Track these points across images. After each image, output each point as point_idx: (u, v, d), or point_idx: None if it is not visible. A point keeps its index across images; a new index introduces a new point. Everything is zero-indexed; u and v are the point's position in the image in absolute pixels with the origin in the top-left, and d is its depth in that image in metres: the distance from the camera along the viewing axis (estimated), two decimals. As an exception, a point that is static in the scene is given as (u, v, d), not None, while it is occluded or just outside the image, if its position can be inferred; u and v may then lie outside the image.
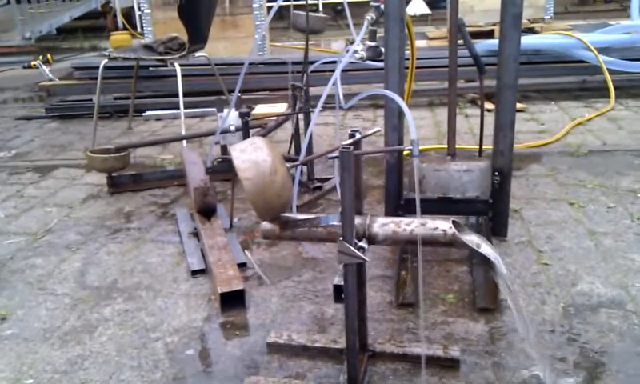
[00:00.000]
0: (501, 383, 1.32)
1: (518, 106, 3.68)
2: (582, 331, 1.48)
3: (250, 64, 4.28)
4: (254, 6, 4.94)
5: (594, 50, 3.86)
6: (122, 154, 2.50)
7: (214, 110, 4.01)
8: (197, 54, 3.37)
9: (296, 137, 2.45)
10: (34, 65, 7.06)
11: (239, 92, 1.97)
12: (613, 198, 2.22)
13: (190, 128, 3.70)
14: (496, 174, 1.88)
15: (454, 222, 1.17)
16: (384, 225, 1.20)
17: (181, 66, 3.14)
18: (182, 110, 3.09)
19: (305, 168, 2.43)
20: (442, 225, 1.17)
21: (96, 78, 3.85)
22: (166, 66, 3.21)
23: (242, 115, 2.32)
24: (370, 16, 1.76)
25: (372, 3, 1.77)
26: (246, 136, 2.51)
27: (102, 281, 1.85)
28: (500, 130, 1.88)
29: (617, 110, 3.53)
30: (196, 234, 2.04)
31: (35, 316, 1.68)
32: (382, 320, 1.57)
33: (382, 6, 1.78)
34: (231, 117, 2.54)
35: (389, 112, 1.83)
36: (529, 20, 5.28)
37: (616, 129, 3.16)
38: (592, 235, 1.95)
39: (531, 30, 5.56)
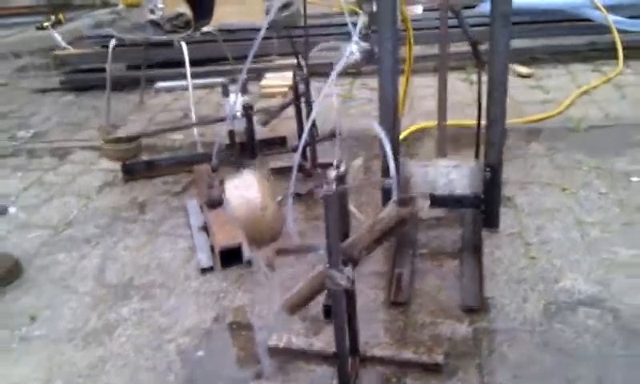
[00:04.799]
0: (479, 386, 1.45)
1: (525, 71, 3.71)
2: (559, 332, 1.60)
3: (256, 30, 4.33)
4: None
5: (602, 8, 3.82)
6: (133, 144, 2.62)
7: (224, 80, 4.10)
8: (204, 29, 3.42)
9: (299, 124, 2.54)
10: (46, 26, 7.11)
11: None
12: (606, 183, 2.30)
13: (200, 100, 3.78)
14: (487, 169, 1.97)
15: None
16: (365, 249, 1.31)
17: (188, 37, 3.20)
18: (191, 92, 3.16)
19: (307, 154, 2.52)
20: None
21: (107, 46, 3.96)
22: (173, 44, 3.26)
23: (245, 109, 2.41)
24: (363, 20, 1.82)
25: (364, 9, 1.82)
26: (249, 129, 2.62)
27: (119, 278, 2.01)
28: (491, 124, 1.94)
29: (624, 75, 3.54)
30: (205, 228, 2.17)
31: (60, 316, 1.84)
32: (374, 320, 1.70)
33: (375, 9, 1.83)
34: (237, 103, 2.64)
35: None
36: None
37: (620, 98, 3.18)
38: (580, 225, 2.04)
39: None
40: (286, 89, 3.74)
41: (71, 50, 4.87)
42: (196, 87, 3.84)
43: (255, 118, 2.69)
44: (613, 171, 2.37)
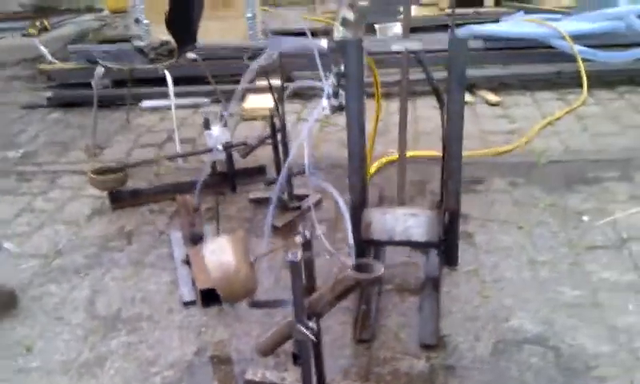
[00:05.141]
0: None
1: (493, 99, 3.92)
2: (504, 369, 1.79)
3: (238, 49, 4.48)
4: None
5: (568, 39, 4.03)
6: (119, 174, 2.77)
7: (207, 101, 4.27)
8: (188, 56, 3.57)
9: (276, 159, 2.71)
10: (33, 32, 7.18)
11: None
12: (559, 221, 2.50)
13: (184, 122, 3.93)
14: (446, 214, 2.16)
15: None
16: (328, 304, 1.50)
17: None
18: (174, 117, 3.32)
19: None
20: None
21: (94, 62, 4.09)
22: (157, 72, 3.41)
23: (225, 148, 2.59)
24: (332, 80, 2.00)
25: (333, 69, 1.99)
26: (230, 165, 2.79)
27: (107, 310, 2.17)
28: (449, 176, 2.13)
29: (587, 105, 3.76)
30: (188, 262, 2.33)
31: (54, 347, 2.00)
32: (342, 357, 1.88)
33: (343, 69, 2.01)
34: (218, 135, 2.81)
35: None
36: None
37: (581, 130, 3.40)
38: (532, 265, 2.24)
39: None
40: (267, 112, 3.90)
41: (57, 65, 4.98)
42: (181, 107, 4.01)
43: (235, 152, 2.86)
44: (566, 209, 2.58)
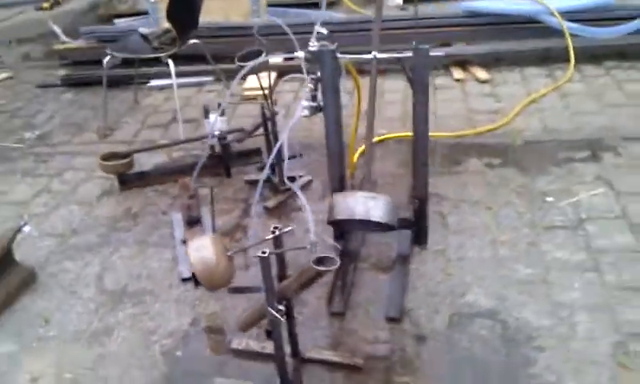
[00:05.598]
0: (387, 384, 1.92)
1: (483, 76, 4.09)
2: (457, 340, 2.05)
3: (240, 28, 4.68)
4: (248, -38, 5.19)
5: (558, 16, 4.15)
6: (127, 159, 3.04)
7: (211, 79, 4.49)
8: (190, 42, 3.79)
9: (267, 146, 2.95)
10: (45, 7, 7.40)
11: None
12: (525, 202, 2.72)
13: (189, 101, 4.17)
14: (416, 200, 2.40)
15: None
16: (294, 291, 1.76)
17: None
18: (177, 101, 3.56)
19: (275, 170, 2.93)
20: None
21: (106, 41, 4.36)
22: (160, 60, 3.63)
23: (223, 147, 2.87)
24: (310, 86, 2.22)
25: (310, 75, 2.21)
26: (224, 150, 3.04)
27: (115, 285, 2.46)
28: (416, 170, 2.36)
29: (573, 82, 3.90)
30: (186, 242, 2.61)
31: (69, 319, 2.31)
32: (316, 328, 2.16)
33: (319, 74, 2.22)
34: (217, 123, 3.06)
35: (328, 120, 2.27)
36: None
37: (562, 108, 3.57)
38: (493, 244, 2.48)
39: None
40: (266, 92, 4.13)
41: (70, 45, 5.22)
42: (186, 86, 4.26)
43: (231, 137, 3.11)
44: (533, 190, 2.79)
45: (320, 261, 1.66)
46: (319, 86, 2.23)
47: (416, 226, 2.47)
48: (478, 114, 3.61)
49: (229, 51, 4.31)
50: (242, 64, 2.36)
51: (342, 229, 2.37)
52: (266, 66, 2.76)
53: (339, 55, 2.21)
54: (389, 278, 2.36)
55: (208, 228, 2.67)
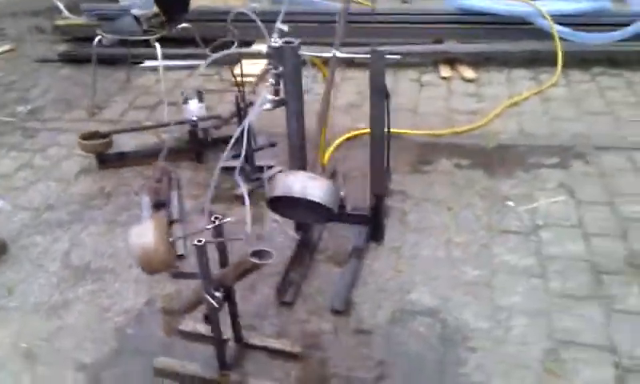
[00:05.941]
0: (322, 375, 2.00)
1: (469, 76, 4.11)
2: (395, 335, 2.12)
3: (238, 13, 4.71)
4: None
5: (549, 19, 4.16)
6: (105, 140, 3.13)
7: (201, 63, 4.54)
8: (179, 26, 3.85)
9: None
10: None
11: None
12: (486, 204, 2.76)
13: (178, 84, 4.24)
14: (372, 197, 2.46)
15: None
16: (231, 280, 1.84)
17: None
18: (163, 85, 3.64)
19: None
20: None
21: (105, 19, 4.44)
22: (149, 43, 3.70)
23: (193, 133, 2.94)
24: (271, 81, 2.28)
25: (272, 70, 2.27)
26: (193, 136, 3.11)
27: (80, 261, 2.56)
28: (373, 170, 2.41)
29: (558, 86, 3.91)
30: (153, 223, 2.69)
31: (31, 291, 2.41)
32: (265, 316, 2.24)
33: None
34: (194, 108, 3.14)
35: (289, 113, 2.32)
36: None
37: (542, 113, 3.59)
38: (448, 244, 2.53)
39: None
40: (255, 78, 4.20)
41: (71, 20, 5.31)
42: (177, 69, 4.33)
43: (209, 123, 3.19)
44: (496, 193, 2.83)
45: (257, 253, 1.74)
46: (281, 80, 2.28)
47: (372, 223, 2.53)
48: (458, 114, 3.65)
49: (221, 36, 4.41)
50: (210, 54, 2.42)
51: (282, 212, 2.22)
52: (239, 55, 2.81)
53: (301, 52, 2.26)
54: (340, 271, 2.43)
55: (174, 211, 2.75)
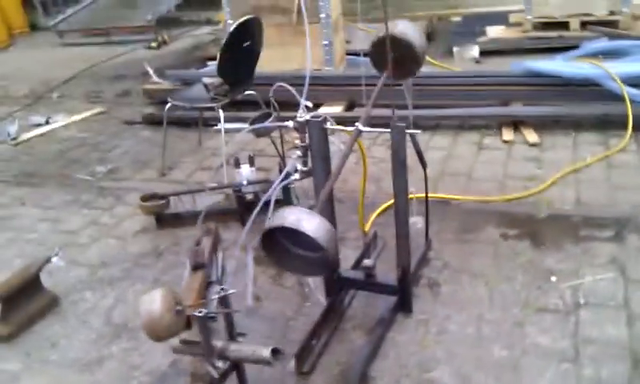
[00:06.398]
0: None
1: (533, 139, 3.98)
2: (406, 416, 2.06)
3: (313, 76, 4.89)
4: (321, 16, 5.41)
5: (619, 81, 3.97)
6: (162, 201, 3.33)
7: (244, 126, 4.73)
8: (245, 93, 4.05)
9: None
10: (153, 46, 8.14)
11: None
12: (527, 279, 2.63)
13: (246, 146, 4.41)
14: (399, 269, 2.44)
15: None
16: (233, 351, 1.88)
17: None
18: (224, 150, 3.82)
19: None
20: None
21: (187, 84, 4.75)
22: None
23: (239, 197, 3.06)
24: (297, 154, 2.36)
25: (298, 143, 2.35)
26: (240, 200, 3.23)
27: (120, 319, 2.71)
28: (399, 243, 2.40)
29: (626, 152, 3.69)
30: (192, 285, 2.81)
31: (72, 346, 2.58)
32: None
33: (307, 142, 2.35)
34: (246, 172, 3.28)
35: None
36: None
37: (603, 180, 3.40)
38: (479, 321, 2.43)
39: (610, 24, 5.54)
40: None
41: (158, 85, 5.73)
42: (232, 131, 4.52)
43: (258, 187, 3.32)
44: (540, 267, 2.69)
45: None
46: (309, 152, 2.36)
47: (399, 294, 2.49)
48: (514, 179, 3.53)
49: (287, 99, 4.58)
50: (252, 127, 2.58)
51: (276, 256, 2.03)
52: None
53: (327, 125, 2.33)
54: (363, 342, 2.40)
55: (213, 274, 2.85)
